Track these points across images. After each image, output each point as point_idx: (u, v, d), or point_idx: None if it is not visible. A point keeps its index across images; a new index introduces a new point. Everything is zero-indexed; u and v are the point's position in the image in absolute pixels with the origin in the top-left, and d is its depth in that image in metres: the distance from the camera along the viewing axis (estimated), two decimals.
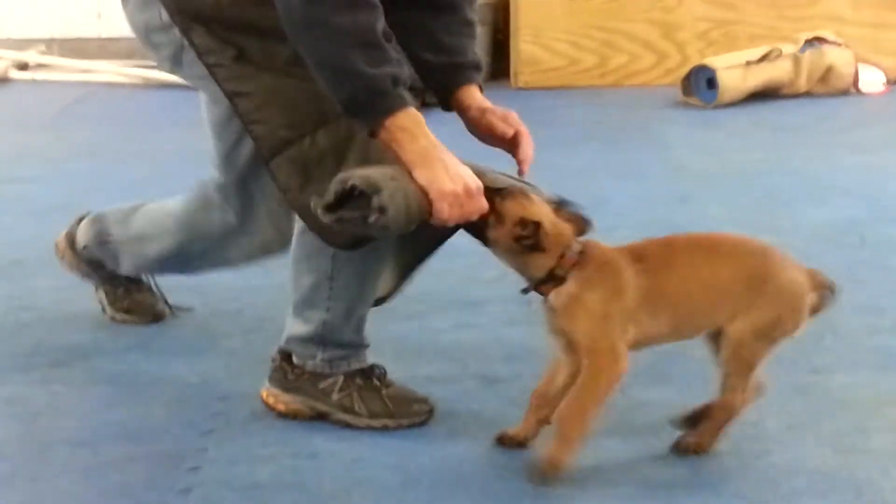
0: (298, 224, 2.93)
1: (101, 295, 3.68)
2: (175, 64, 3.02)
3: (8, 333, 3.62)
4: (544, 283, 2.74)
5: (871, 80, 6.95)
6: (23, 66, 7.73)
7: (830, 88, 6.80)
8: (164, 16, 2.92)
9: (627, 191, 5.00)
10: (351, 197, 2.61)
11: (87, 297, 3.70)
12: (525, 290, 2.79)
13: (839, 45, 6.81)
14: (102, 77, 7.62)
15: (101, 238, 3.54)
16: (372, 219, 2.59)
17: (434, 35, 3.01)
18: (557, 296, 2.73)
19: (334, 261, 2.92)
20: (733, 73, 6.54)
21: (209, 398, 3.17)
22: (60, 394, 3.23)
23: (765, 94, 6.68)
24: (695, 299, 2.78)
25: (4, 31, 7.94)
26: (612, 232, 4.37)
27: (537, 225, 2.69)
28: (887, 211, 4.77)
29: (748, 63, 6.58)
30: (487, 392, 3.19)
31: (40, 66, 7.79)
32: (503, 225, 2.71)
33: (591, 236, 2.77)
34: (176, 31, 2.92)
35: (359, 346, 3.05)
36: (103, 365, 3.42)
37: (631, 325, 2.73)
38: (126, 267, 3.56)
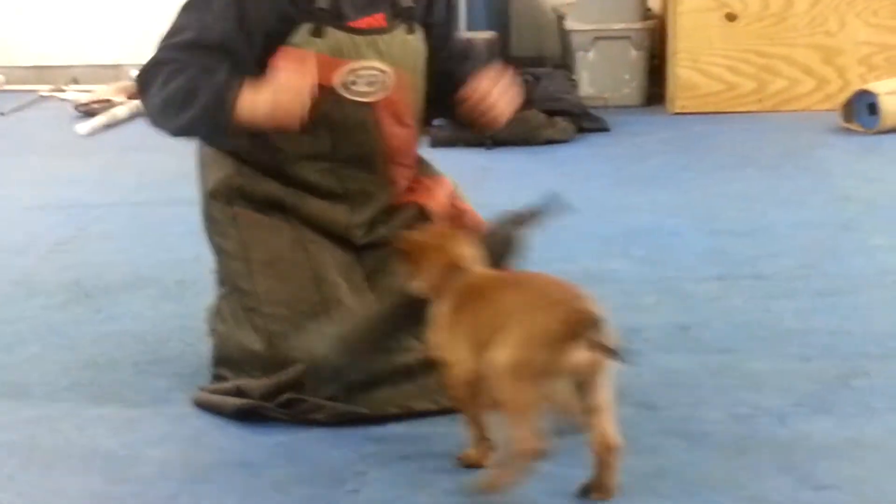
0: None
1: None
2: None
3: (173, 353, 3.69)
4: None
5: None
6: None
7: None
8: None
9: (788, 218, 4.91)
10: None
11: None
12: None
13: None
14: None
15: None
16: None
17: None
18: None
19: None
20: None
21: (369, 421, 3.18)
22: (223, 414, 3.26)
23: None
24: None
25: None
26: (774, 259, 4.38)
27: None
28: None
29: None
30: (645, 419, 3.18)
31: None
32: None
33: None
34: None
35: None
36: None
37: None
38: None
